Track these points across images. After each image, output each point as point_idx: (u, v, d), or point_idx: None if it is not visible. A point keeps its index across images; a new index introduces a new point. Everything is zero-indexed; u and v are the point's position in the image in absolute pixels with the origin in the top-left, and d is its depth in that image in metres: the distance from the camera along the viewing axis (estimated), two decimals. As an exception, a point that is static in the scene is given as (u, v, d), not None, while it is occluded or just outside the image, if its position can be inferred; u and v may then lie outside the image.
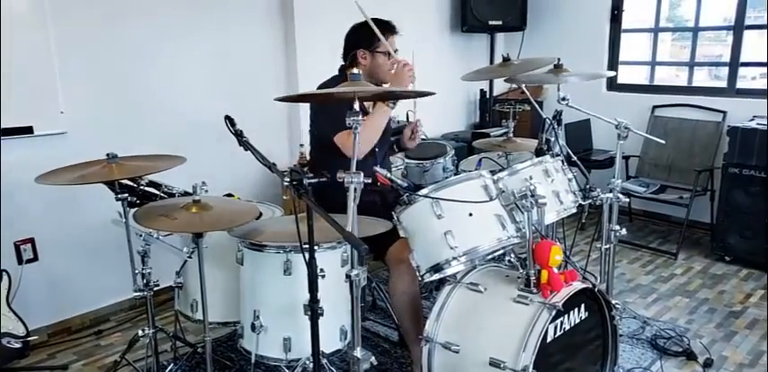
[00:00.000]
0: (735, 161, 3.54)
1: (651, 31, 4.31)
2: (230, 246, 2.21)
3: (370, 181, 1.60)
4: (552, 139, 2.41)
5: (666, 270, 3.63)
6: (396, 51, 2.54)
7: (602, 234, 2.52)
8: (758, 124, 3.52)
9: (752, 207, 3.53)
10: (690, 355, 2.64)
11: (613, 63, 4.42)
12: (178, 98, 3.21)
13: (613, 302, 2.12)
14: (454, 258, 1.86)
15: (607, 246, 2.53)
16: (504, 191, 1.94)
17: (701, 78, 4.28)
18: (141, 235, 2.24)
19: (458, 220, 1.85)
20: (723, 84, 4.05)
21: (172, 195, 2.16)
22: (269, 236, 1.93)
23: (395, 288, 2.39)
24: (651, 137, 2.49)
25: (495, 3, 4.38)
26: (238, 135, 1.85)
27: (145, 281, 2.27)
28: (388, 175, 1.87)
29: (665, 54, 4.39)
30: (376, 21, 2.51)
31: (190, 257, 2.11)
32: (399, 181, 1.88)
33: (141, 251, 2.23)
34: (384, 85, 2.48)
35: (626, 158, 4.15)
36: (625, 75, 4.43)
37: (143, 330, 2.28)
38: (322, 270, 1.89)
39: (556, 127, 2.39)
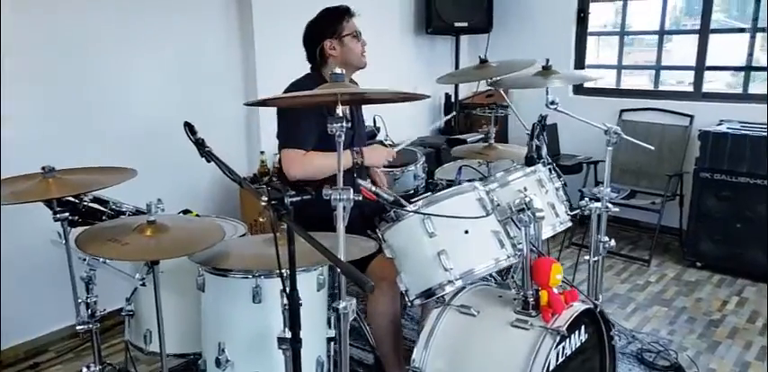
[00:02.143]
0: (706, 165, 3.49)
1: (617, 35, 4.26)
2: (189, 270, 1.94)
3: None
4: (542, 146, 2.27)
5: (641, 278, 3.55)
6: (359, 34, 2.37)
7: (590, 245, 2.39)
8: (729, 128, 3.48)
9: (723, 212, 3.49)
10: (678, 369, 2.55)
11: (580, 66, 4.34)
12: (127, 103, 2.92)
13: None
14: (449, 281, 1.67)
15: (596, 258, 2.39)
16: (499, 205, 1.76)
17: (641, 83, 4.28)
18: (85, 260, 1.95)
19: (452, 238, 1.66)
20: (689, 87, 4.02)
21: (121, 214, 1.88)
22: (236, 261, 1.68)
23: (373, 309, 2.19)
24: (639, 142, 2.37)
25: (460, 4, 4.25)
26: (200, 144, 1.61)
27: (90, 312, 1.99)
28: (374, 189, 1.66)
29: (629, 57, 4.35)
30: (331, 8, 2.40)
31: (143, 284, 1.84)
32: (386, 196, 1.67)
33: (85, 277, 1.95)
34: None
35: (594, 164, 4.07)
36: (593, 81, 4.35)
37: (88, 366, 2.00)
38: (300, 298, 1.69)
39: (542, 133, 2.25)
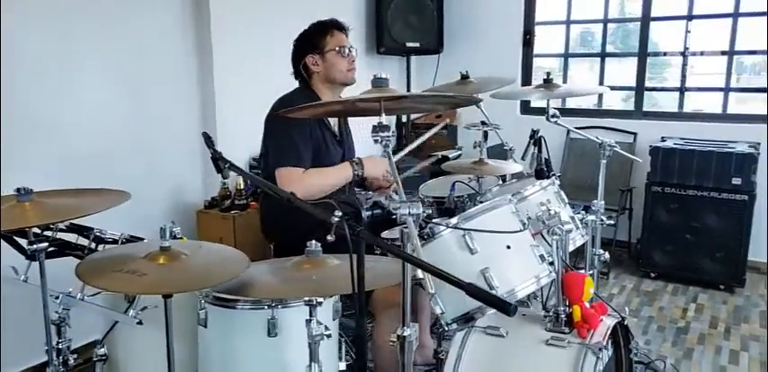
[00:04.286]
0: (657, 180, 3.64)
1: (561, 57, 4.41)
2: (183, 303, 1.73)
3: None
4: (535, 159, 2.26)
5: (604, 290, 3.61)
6: (351, 48, 2.26)
7: (585, 258, 2.38)
8: (676, 144, 3.66)
9: (673, 223, 3.64)
10: (668, 379, 2.58)
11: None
12: (64, 120, 2.61)
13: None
14: (492, 303, 1.56)
15: (591, 272, 2.38)
16: (530, 218, 1.70)
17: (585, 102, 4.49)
18: (58, 297, 1.68)
19: (496, 255, 1.57)
20: (630, 106, 4.22)
21: (110, 242, 1.64)
22: (262, 290, 1.48)
23: (381, 339, 2.04)
24: (631, 155, 2.43)
25: (411, 25, 4.26)
26: (216, 160, 1.43)
27: (62, 359, 1.71)
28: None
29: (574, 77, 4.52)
30: (317, 22, 2.32)
31: (140, 322, 1.59)
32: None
33: (57, 319, 1.68)
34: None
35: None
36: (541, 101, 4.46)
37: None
38: (327, 328, 1.53)
39: (536, 147, 2.23)
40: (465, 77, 2.61)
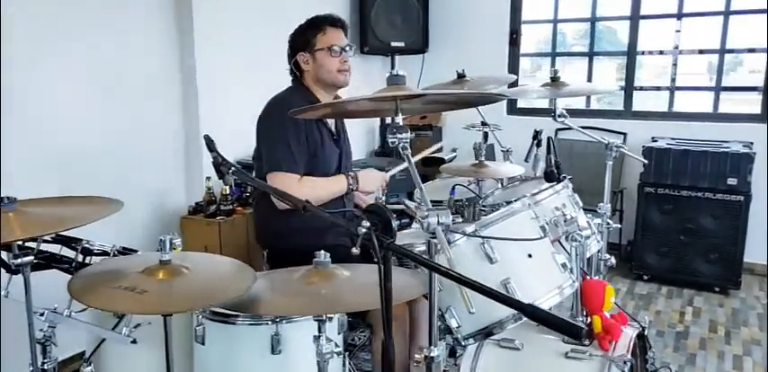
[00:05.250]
0: (651, 180, 3.61)
1: (549, 56, 4.36)
2: (178, 318, 1.60)
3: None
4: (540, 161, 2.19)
5: (599, 294, 3.56)
6: (349, 47, 2.15)
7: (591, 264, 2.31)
8: (668, 144, 3.63)
9: (666, 225, 3.60)
10: (675, 386, 2.52)
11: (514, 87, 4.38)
12: (39, 124, 2.46)
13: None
14: (514, 317, 1.46)
15: (597, 277, 2.31)
16: (548, 223, 1.61)
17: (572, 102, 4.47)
18: (43, 314, 1.55)
19: (517, 264, 1.48)
20: (619, 106, 4.19)
21: (99, 254, 1.50)
22: (269, 306, 1.36)
23: (379, 353, 1.94)
24: (638, 157, 2.37)
25: (396, 25, 4.17)
26: (218, 165, 1.31)
27: (48, 379, 1.57)
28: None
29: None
30: (312, 17, 2.19)
31: (134, 341, 1.46)
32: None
33: (42, 338, 1.54)
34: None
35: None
36: (526, 100, 4.41)
37: None
38: (338, 345, 1.43)
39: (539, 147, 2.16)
40: (461, 76, 2.53)
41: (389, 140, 1.27)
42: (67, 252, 1.68)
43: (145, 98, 2.88)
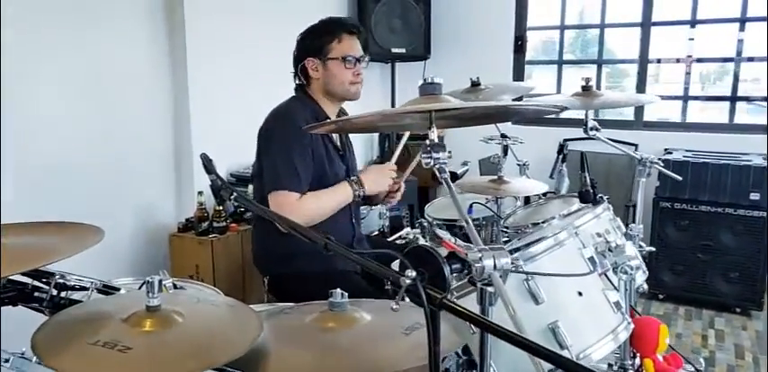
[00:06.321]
0: (666, 195, 3.43)
1: (555, 64, 4.19)
2: None
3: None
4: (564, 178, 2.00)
5: (614, 315, 3.37)
6: (363, 58, 1.96)
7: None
8: (684, 156, 3.46)
9: (683, 241, 3.43)
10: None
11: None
12: (23, 135, 2.23)
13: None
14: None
15: (632, 303, 2.11)
16: (596, 254, 1.41)
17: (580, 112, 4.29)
18: (8, 360, 1.32)
19: (566, 305, 1.27)
20: (629, 117, 4.02)
21: (76, 289, 1.28)
22: (279, 366, 1.12)
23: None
24: (670, 173, 2.17)
25: (397, 31, 3.99)
26: (216, 188, 1.09)
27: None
28: (458, 242, 1.23)
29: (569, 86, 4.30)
30: (327, 20, 1.99)
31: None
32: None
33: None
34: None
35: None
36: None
37: None
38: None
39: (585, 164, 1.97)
40: (476, 84, 2.34)
41: (424, 161, 1.06)
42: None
43: (134, 108, 2.67)
